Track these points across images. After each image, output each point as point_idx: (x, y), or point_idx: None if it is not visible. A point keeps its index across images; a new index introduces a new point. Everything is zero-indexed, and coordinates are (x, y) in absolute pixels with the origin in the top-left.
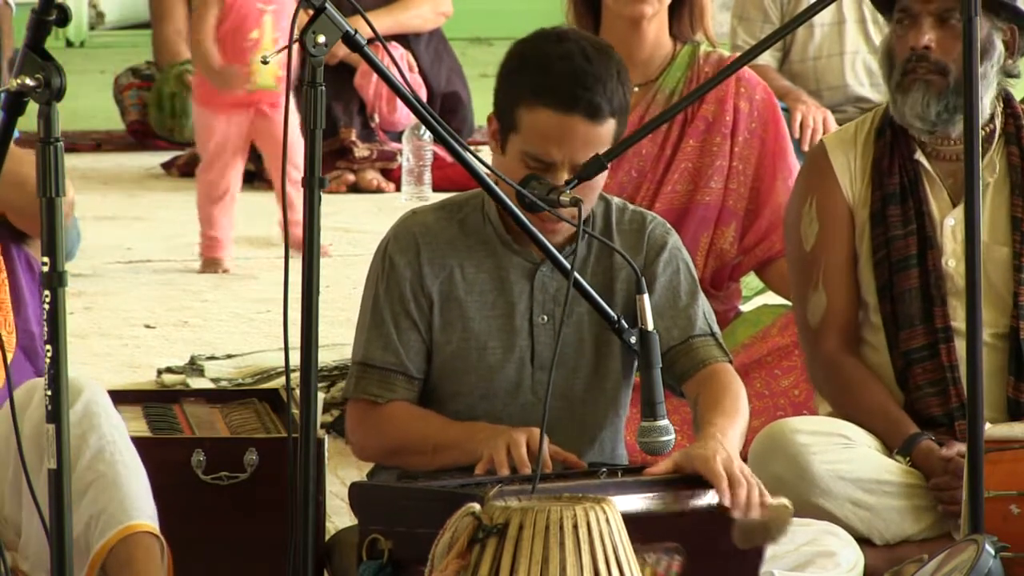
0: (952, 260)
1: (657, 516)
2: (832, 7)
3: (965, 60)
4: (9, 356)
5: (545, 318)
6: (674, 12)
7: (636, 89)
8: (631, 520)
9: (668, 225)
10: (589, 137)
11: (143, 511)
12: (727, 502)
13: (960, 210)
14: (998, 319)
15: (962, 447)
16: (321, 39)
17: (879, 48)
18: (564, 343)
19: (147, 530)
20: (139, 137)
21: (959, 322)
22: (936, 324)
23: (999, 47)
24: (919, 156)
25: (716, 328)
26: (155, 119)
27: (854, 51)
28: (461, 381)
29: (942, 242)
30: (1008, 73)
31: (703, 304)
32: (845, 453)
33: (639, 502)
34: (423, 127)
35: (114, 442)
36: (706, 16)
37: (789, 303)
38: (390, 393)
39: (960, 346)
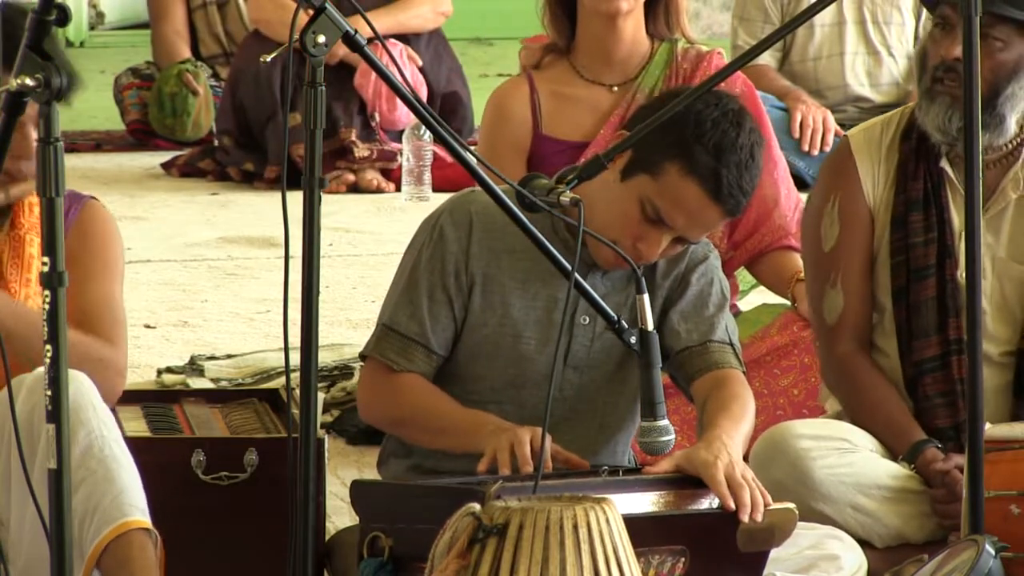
0: None
1: (662, 519)
2: (832, 8)
3: (965, 60)
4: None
5: (587, 319)
6: (649, 12)
7: (615, 89)
8: (635, 522)
9: (711, 245)
10: (713, 223)
11: (136, 506)
12: (730, 506)
13: (983, 222)
14: (1009, 336)
15: (960, 460)
16: (321, 39)
17: (915, 48)
18: (601, 347)
19: (141, 526)
20: (139, 137)
21: None
22: (949, 336)
23: None
24: (944, 163)
25: (736, 342)
26: (155, 118)
27: (854, 52)
28: (490, 365)
29: (960, 253)
30: None
31: (729, 320)
32: (846, 458)
33: (642, 504)
34: (423, 127)
35: (103, 436)
36: (682, 15)
37: (788, 302)
38: (407, 363)
39: None
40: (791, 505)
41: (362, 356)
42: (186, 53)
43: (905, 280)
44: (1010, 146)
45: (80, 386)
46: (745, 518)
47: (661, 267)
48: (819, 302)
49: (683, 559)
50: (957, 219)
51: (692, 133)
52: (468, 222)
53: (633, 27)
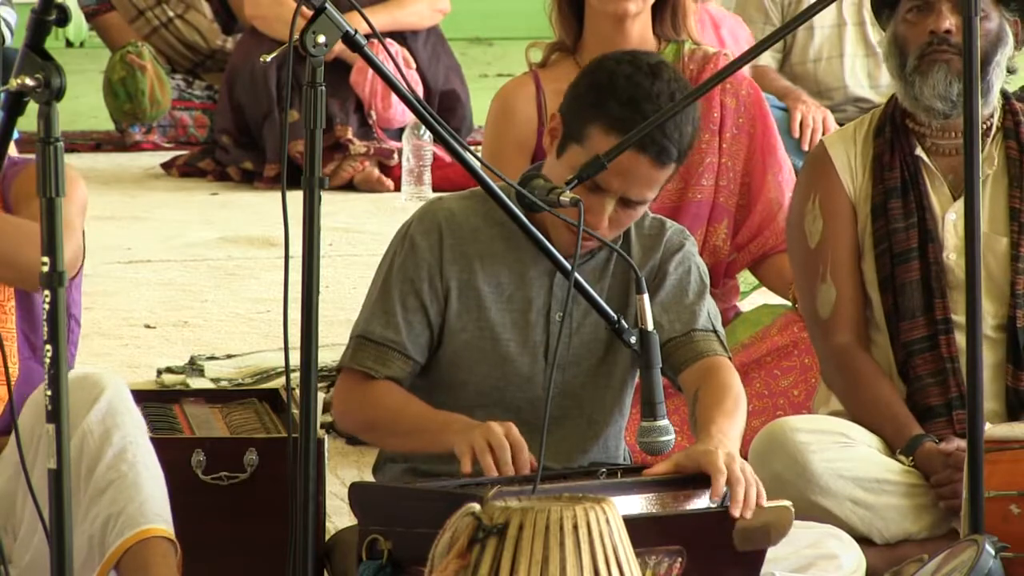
0: (953, 254)
1: (658, 519)
2: (832, 10)
3: (965, 60)
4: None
5: (559, 315)
6: (656, 13)
7: None
8: (632, 523)
9: (686, 232)
10: (650, 177)
11: (161, 515)
12: (718, 494)
13: (960, 204)
14: (997, 309)
15: (961, 442)
16: (321, 39)
17: (883, 43)
18: (580, 342)
19: (164, 535)
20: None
21: (959, 315)
22: (936, 316)
23: (1010, 38)
24: (919, 151)
25: (720, 328)
26: (114, 109)
27: (853, 53)
28: (474, 370)
29: (943, 236)
30: (1008, 69)
31: (710, 305)
32: (845, 452)
33: (640, 504)
34: (423, 126)
35: (136, 442)
36: (689, 16)
37: (789, 303)
38: (385, 368)
39: (960, 338)
40: (787, 503)
41: (338, 369)
42: (131, 36)
43: (890, 267)
44: (984, 125)
45: (117, 391)
46: (737, 513)
47: (636, 258)
48: (812, 299)
49: (680, 559)
50: (937, 204)
51: (607, 91)
52: (438, 230)
53: (640, 28)
